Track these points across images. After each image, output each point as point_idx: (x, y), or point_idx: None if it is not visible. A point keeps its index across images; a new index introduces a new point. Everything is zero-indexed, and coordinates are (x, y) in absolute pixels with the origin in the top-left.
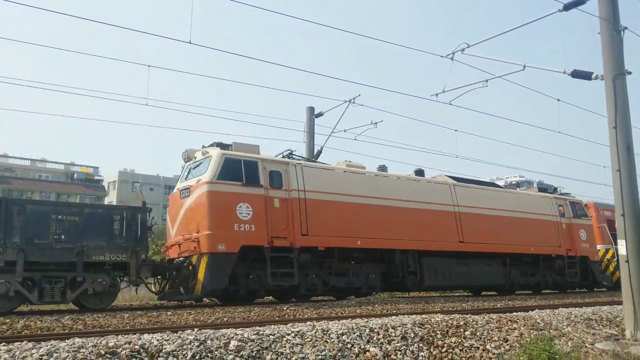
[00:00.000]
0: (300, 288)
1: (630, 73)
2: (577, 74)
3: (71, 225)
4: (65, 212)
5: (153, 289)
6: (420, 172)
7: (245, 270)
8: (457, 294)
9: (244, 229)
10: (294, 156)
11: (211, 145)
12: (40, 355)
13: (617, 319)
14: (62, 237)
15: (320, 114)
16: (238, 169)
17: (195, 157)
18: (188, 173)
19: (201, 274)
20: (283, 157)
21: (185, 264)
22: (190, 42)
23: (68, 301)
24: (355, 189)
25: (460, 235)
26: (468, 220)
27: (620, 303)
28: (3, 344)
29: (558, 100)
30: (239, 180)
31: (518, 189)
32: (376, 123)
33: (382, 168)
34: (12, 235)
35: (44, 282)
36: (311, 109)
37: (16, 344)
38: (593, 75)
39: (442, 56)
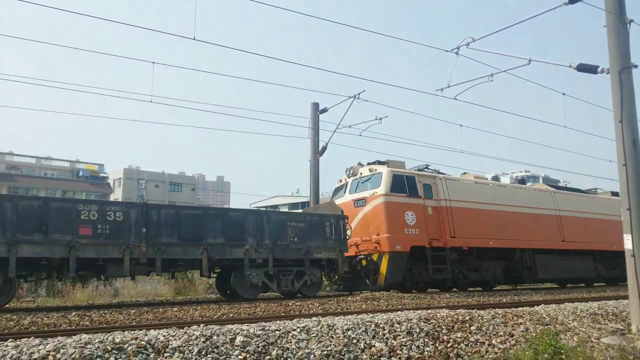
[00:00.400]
0: (448, 281)
1: (636, 66)
2: (582, 68)
3: (300, 230)
4: (296, 220)
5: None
6: (522, 181)
7: (410, 266)
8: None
9: (411, 232)
10: (428, 169)
11: (373, 163)
12: (47, 351)
13: (623, 314)
14: (295, 239)
15: (324, 110)
16: (402, 183)
17: (361, 173)
18: (356, 186)
19: (383, 269)
20: (419, 170)
21: (367, 260)
22: (194, 39)
23: (296, 290)
24: (485, 197)
25: (562, 235)
26: (567, 222)
27: (626, 298)
28: (10, 340)
29: (564, 94)
30: (404, 193)
31: (597, 192)
32: (381, 119)
33: (496, 178)
34: (263, 238)
35: (281, 275)
36: (315, 105)
37: (23, 340)
38: (599, 69)
39: (447, 51)
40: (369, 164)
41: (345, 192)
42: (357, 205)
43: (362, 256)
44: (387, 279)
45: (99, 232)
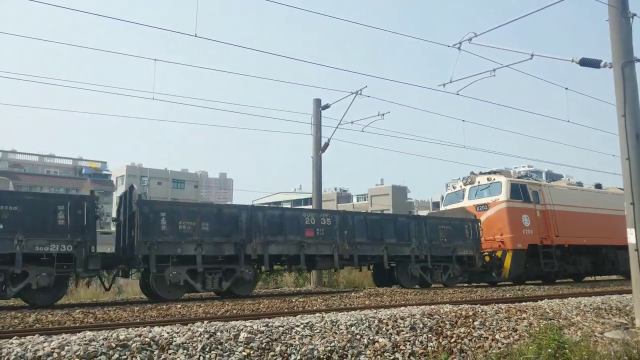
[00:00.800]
0: (552, 274)
1: (639, 60)
2: (585, 62)
3: (448, 232)
4: (444, 223)
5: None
6: (599, 186)
7: (524, 261)
8: (466, 285)
9: (527, 232)
10: (527, 177)
11: (488, 173)
12: (52, 349)
13: (627, 308)
14: (445, 240)
15: (327, 106)
16: (518, 191)
17: (479, 182)
18: (475, 193)
19: (507, 263)
20: (521, 176)
21: (491, 256)
22: (195, 35)
23: (444, 281)
24: (577, 201)
25: None
26: None
27: (629, 292)
28: (15, 337)
29: (566, 89)
30: (520, 199)
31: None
32: (383, 114)
33: (598, 186)
34: (423, 239)
35: (433, 269)
36: (318, 101)
37: (28, 337)
38: (602, 63)
39: (449, 46)
40: (481, 173)
41: (463, 198)
42: (479, 209)
43: (486, 253)
44: (511, 272)
45: (317, 234)
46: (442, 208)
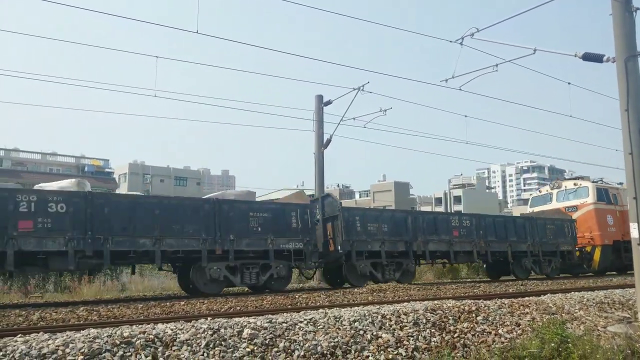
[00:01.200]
0: (629, 266)
1: None
2: (588, 57)
3: (553, 231)
4: (551, 223)
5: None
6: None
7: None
8: (469, 280)
9: (611, 230)
10: (603, 181)
11: (574, 179)
12: (56, 346)
13: (630, 302)
14: (551, 237)
15: (329, 102)
16: (602, 194)
17: (566, 187)
18: (563, 196)
19: (597, 257)
20: (594, 182)
21: (581, 251)
22: (197, 32)
23: (549, 272)
24: None
25: None
26: None
27: (632, 286)
28: (20, 335)
29: (569, 83)
30: (604, 201)
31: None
32: (385, 110)
33: None
34: (535, 237)
35: (541, 262)
36: (320, 97)
37: (32, 335)
38: (604, 58)
39: (451, 41)
40: (566, 179)
41: (552, 201)
42: (569, 210)
43: (577, 248)
44: (600, 265)
45: (461, 234)
46: (529, 209)
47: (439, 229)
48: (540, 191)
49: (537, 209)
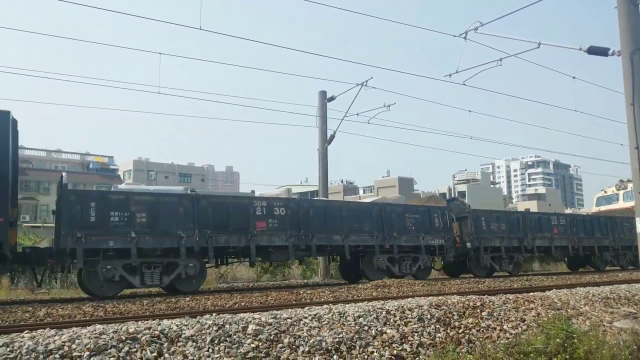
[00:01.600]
0: None
1: None
2: (593, 50)
3: (628, 229)
4: (625, 221)
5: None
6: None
7: None
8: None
9: None
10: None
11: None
12: (62, 342)
13: (636, 297)
14: (627, 234)
15: (332, 98)
16: None
17: (627, 188)
18: (629, 196)
19: None
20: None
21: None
22: (200, 28)
23: (623, 265)
24: None
25: None
26: None
27: (638, 281)
28: (26, 331)
29: (574, 77)
30: None
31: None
32: (389, 106)
33: None
34: (615, 234)
35: (619, 256)
36: (323, 93)
37: (39, 331)
38: (610, 51)
39: (454, 36)
40: (629, 181)
41: (617, 201)
42: None
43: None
44: None
45: (560, 231)
46: (594, 209)
47: (542, 227)
48: (605, 192)
49: (603, 208)
